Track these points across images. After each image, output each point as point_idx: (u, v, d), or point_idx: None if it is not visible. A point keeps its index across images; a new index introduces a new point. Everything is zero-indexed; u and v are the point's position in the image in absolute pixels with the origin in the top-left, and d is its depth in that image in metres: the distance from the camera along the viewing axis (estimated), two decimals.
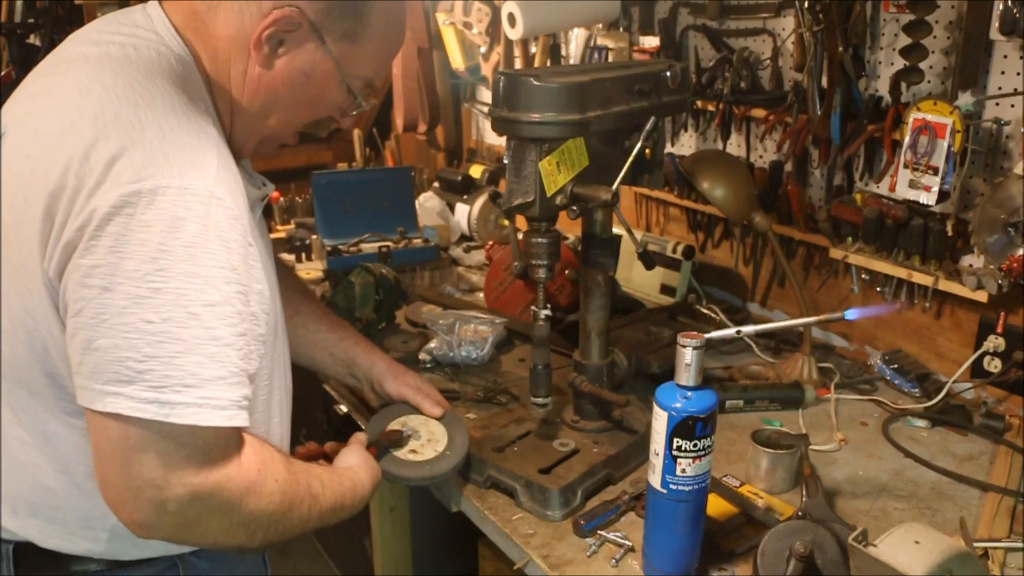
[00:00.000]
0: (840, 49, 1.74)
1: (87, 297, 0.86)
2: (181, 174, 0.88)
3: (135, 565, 1.07)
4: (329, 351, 1.46)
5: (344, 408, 1.86)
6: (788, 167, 2.01)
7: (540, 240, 1.32)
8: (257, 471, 0.96)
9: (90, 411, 0.88)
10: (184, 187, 0.87)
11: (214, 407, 0.89)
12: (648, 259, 1.36)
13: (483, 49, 2.83)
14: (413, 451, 1.36)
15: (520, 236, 1.37)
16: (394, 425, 1.41)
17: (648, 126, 1.29)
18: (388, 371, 1.46)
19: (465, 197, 2.83)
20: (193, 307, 0.87)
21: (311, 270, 2.53)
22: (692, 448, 1.09)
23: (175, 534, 0.93)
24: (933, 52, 1.64)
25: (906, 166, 1.65)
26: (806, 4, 1.76)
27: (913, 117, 1.63)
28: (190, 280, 0.87)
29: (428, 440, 1.39)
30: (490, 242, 2.62)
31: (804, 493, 1.26)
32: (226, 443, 0.93)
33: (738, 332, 1.14)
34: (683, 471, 1.10)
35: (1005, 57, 1.57)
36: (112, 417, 0.87)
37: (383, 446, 1.34)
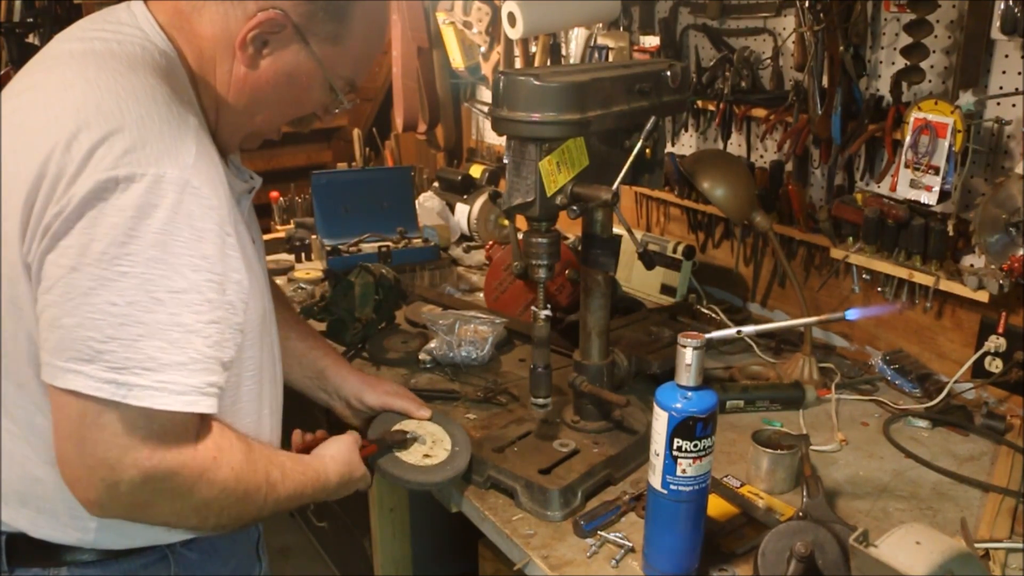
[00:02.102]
0: (841, 48, 1.74)
1: (56, 276, 0.88)
2: (157, 162, 0.89)
3: (125, 555, 1.07)
4: (298, 360, 1.43)
5: None
6: (789, 167, 2.01)
7: (540, 240, 1.31)
8: (212, 459, 0.98)
9: (52, 387, 0.90)
10: (159, 175, 0.89)
11: (172, 392, 0.91)
12: (648, 259, 1.36)
13: (483, 49, 2.83)
14: (427, 455, 1.36)
15: (520, 236, 1.37)
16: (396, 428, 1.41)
17: (648, 126, 1.29)
18: (363, 383, 1.45)
19: (465, 197, 2.83)
20: (158, 293, 0.89)
21: (311, 270, 2.53)
22: (692, 448, 1.08)
23: (127, 514, 0.96)
24: (934, 51, 1.64)
25: (907, 166, 1.65)
26: (807, 3, 1.76)
27: (914, 117, 1.63)
28: (156, 266, 0.89)
29: (433, 442, 1.39)
30: (490, 242, 2.62)
31: (805, 493, 1.26)
32: (183, 428, 0.95)
33: (738, 332, 1.14)
34: (683, 471, 1.10)
35: (1006, 56, 1.56)
36: (71, 394, 0.89)
37: (386, 444, 1.34)
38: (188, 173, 0.91)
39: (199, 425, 0.98)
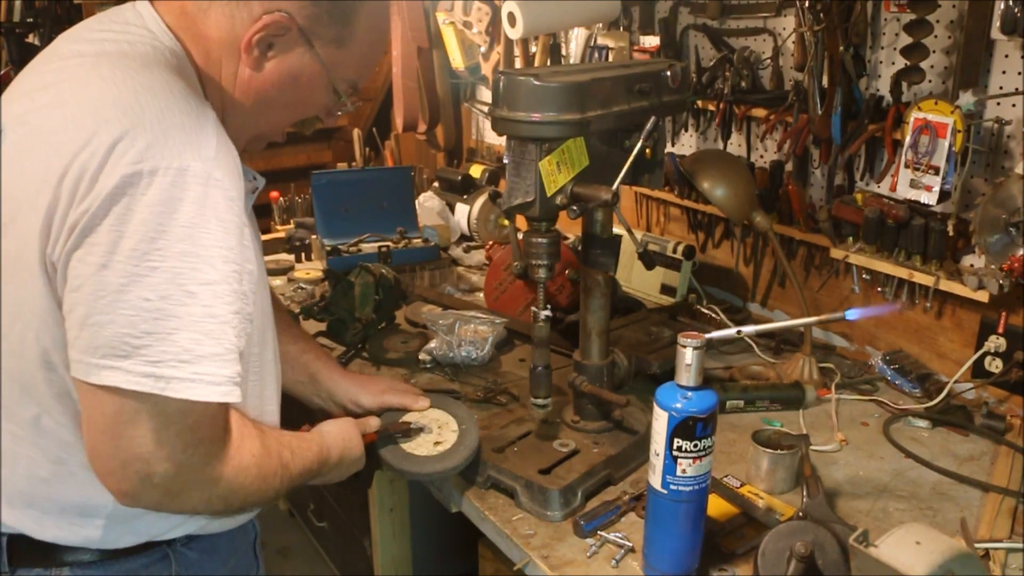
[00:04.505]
0: (841, 48, 1.74)
1: (86, 274, 0.88)
2: (180, 155, 0.90)
3: (127, 554, 1.08)
4: (290, 364, 1.42)
5: None
6: (789, 167, 2.01)
7: (540, 240, 1.31)
8: (237, 447, 1.00)
9: (84, 384, 0.90)
10: (183, 168, 0.89)
11: (209, 383, 0.91)
12: (648, 259, 1.36)
13: (483, 48, 2.83)
14: (437, 443, 1.38)
15: (520, 236, 1.37)
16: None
17: (648, 126, 1.29)
18: (356, 385, 1.45)
19: (465, 197, 2.83)
20: (190, 285, 0.89)
21: (311, 270, 2.53)
22: (692, 448, 1.08)
23: (158, 504, 0.97)
24: (934, 51, 1.64)
25: (907, 166, 1.65)
26: (807, 3, 1.76)
27: (914, 117, 1.63)
28: (186, 259, 0.89)
29: (439, 427, 1.41)
30: (490, 242, 2.62)
31: (805, 493, 1.26)
32: (213, 420, 0.96)
33: (739, 332, 1.14)
34: (683, 471, 1.09)
35: (1006, 56, 1.56)
36: (108, 390, 0.89)
37: (387, 435, 1.35)
38: (210, 165, 0.91)
39: (226, 415, 0.99)
